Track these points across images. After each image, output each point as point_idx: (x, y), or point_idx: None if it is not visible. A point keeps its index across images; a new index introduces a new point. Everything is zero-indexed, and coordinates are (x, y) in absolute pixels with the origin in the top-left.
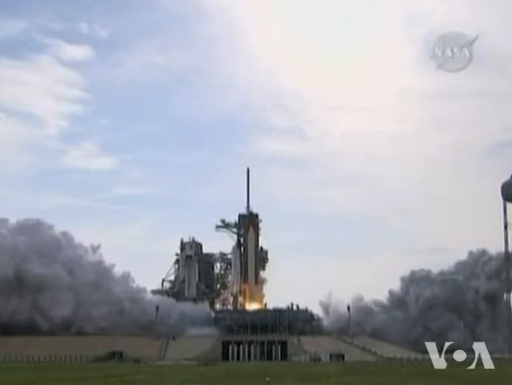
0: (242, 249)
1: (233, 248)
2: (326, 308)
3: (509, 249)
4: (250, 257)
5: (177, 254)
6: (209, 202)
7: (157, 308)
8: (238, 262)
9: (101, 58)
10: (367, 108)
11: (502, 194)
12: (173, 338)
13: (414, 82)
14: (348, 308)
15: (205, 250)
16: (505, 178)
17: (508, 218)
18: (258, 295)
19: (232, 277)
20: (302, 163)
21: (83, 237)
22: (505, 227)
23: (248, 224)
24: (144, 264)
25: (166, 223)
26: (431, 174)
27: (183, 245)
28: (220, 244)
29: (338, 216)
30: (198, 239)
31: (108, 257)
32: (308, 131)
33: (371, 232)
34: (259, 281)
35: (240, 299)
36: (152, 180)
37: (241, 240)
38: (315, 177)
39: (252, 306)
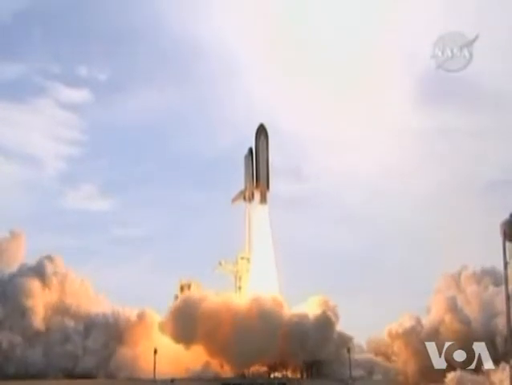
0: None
1: (245, 156)
2: None
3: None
4: (262, 165)
5: (177, 296)
6: (208, 242)
7: (155, 350)
8: (250, 169)
9: (100, 101)
10: (366, 145)
11: (501, 233)
12: (172, 381)
13: (413, 117)
14: (348, 350)
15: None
16: (504, 216)
17: (507, 257)
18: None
19: (244, 183)
20: (300, 200)
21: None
22: (505, 266)
23: (259, 134)
24: (143, 305)
25: (165, 263)
26: (429, 211)
27: (182, 286)
28: (219, 283)
29: (339, 254)
30: (197, 279)
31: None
32: (306, 169)
33: (372, 271)
34: (270, 188)
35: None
36: (149, 221)
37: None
38: (315, 216)
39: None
